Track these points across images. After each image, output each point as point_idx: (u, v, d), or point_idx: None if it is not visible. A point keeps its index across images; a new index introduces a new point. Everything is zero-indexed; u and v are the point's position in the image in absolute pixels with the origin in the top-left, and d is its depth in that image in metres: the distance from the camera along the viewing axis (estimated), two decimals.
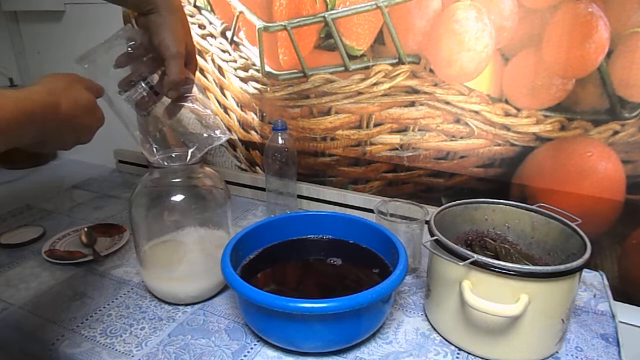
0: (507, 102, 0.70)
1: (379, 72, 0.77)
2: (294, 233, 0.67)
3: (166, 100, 0.59)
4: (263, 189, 0.87)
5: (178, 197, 0.59)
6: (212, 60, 0.92)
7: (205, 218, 0.62)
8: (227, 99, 0.93)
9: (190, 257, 0.62)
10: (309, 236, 0.67)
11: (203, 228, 0.62)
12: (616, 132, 0.65)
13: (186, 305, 0.61)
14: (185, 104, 0.58)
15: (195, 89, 0.59)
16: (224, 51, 0.90)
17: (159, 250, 0.61)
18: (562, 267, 0.47)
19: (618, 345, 0.55)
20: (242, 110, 0.92)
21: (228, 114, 0.94)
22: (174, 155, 0.60)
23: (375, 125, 0.80)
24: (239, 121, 0.94)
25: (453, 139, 0.76)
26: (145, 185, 0.60)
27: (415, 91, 0.75)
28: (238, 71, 0.90)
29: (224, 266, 0.53)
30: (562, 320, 0.51)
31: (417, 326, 0.58)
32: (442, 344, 0.55)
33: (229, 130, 0.95)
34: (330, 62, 0.80)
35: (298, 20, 0.79)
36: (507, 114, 0.71)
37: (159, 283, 0.61)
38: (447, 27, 0.70)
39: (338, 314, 0.48)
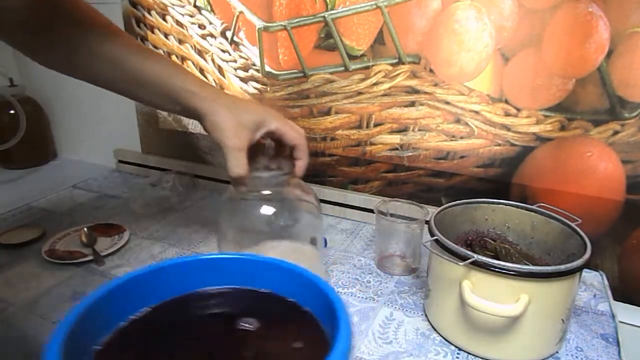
0: (507, 102, 0.70)
1: (379, 72, 0.77)
2: (181, 288, 0.43)
3: None
4: None
5: (266, 210, 0.56)
6: (212, 60, 0.92)
7: (294, 232, 0.58)
8: None
9: None
10: (203, 289, 0.44)
11: (290, 241, 0.58)
12: (616, 132, 0.65)
13: None
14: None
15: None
16: (224, 51, 0.90)
17: None
18: (562, 267, 0.47)
19: (618, 345, 0.55)
20: None
21: None
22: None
23: (375, 125, 0.80)
24: None
25: (453, 139, 0.76)
26: (232, 196, 0.57)
27: (415, 91, 0.75)
28: (238, 71, 0.90)
29: None
30: (562, 320, 0.51)
31: (417, 326, 0.58)
32: (442, 344, 0.55)
33: None
34: (330, 62, 0.80)
35: (298, 20, 0.79)
36: (507, 114, 0.71)
37: None
38: (447, 27, 0.70)
39: None
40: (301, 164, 0.58)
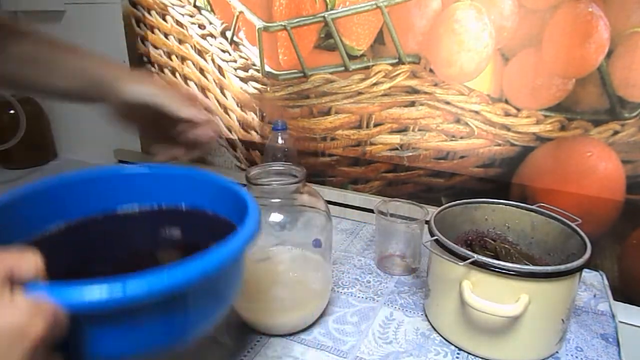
0: (507, 102, 0.70)
1: (379, 72, 0.77)
2: (99, 204, 0.41)
3: None
4: None
5: (275, 217, 0.55)
6: (212, 60, 0.92)
7: (302, 239, 0.57)
8: (227, 99, 0.93)
9: (282, 282, 0.57)
10: (122, 207, 0.42)
11: (299, 249, 0.57)
12: (616, 132, 0.65)
13: None
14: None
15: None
16: (224, 51, 0.90)
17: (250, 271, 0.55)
18: (562, 267, 0.47)
19: (618, 345, 0.55)
20: (242, 110, 0.93)
21: (228, 114, 0.94)
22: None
23: (375, 125, 0.80)
24: (239, 121, 0.94)
25: (453, 139, 0.76)
26: None
27: (415, 91, 0.75)
28: (238, 71, 0.90)
29: None
30: (562, 320, 0.51)
31: (417, 326, 0.58)
32: (442, 344, 0.55)
33: (229, 130, 0.95)
34: (330, 62, 0.80)
35: (298, 20, 0.79)
36: (507, 114, 0.71)
37: (245, 312, 0.55)
38: (447, 27, 0.70)
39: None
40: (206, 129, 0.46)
